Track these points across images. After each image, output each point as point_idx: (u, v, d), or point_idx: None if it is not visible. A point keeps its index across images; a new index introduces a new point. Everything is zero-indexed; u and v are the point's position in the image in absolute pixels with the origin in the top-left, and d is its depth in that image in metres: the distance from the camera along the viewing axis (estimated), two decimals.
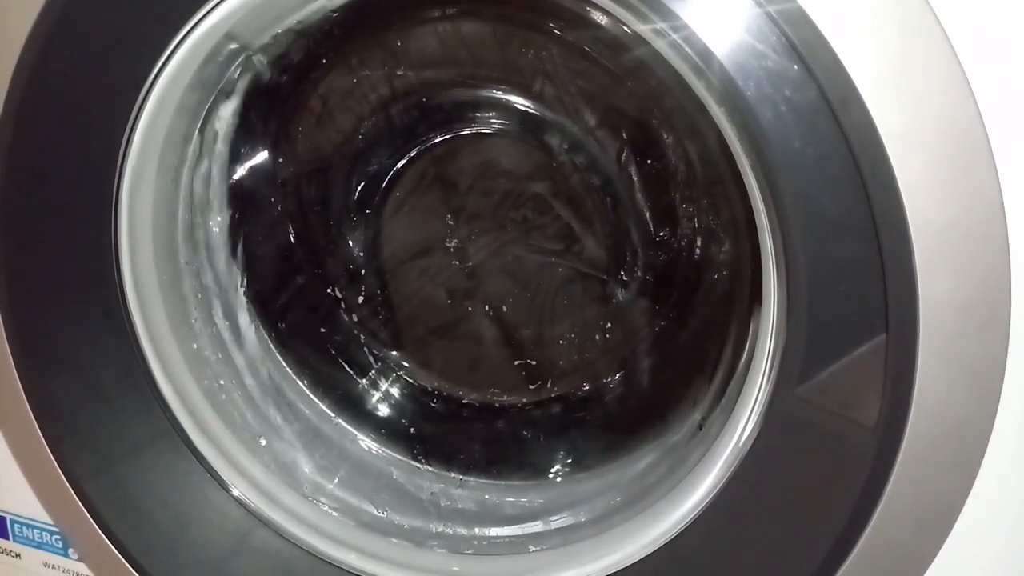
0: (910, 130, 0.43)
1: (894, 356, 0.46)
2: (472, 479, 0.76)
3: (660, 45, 0.48)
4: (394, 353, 0.81)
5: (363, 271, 0.79)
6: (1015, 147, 0.43)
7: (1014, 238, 0.43)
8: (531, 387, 0.78)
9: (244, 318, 0.76)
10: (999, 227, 0.43)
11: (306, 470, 0.74)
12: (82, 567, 0.79)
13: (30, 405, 0.66)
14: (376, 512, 0.72)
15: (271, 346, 0.78)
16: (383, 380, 0.81)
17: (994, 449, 0.47)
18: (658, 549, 0.58)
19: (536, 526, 0.70)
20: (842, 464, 0.49)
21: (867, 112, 0.43)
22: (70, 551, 0.79)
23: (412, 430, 0.79)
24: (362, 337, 0.80)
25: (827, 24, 0.43)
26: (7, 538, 0.80)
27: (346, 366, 0.80)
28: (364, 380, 0.81)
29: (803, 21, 0.43)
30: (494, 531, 0.71)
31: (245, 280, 0.75)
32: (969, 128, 0.42)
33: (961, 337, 0.45)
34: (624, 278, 0.72)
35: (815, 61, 0.43)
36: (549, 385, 0.78)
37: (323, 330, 0.80)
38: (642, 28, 0.48)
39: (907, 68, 0.42)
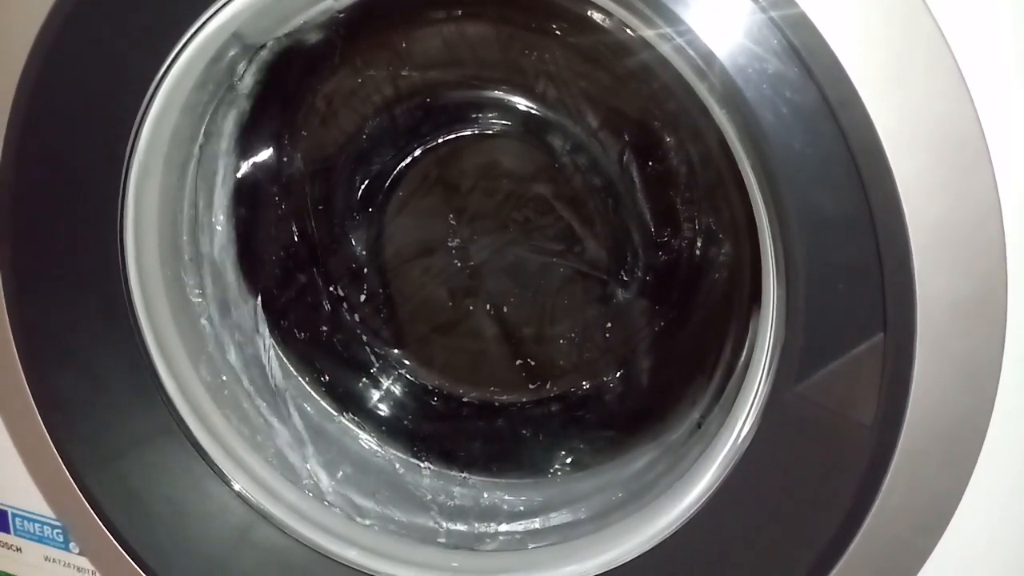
0: (909, 131, 0.43)
1: (891, 355, 0.46)
2: (472, 477, 0.76)
3: (663, 48, 0.48)
4: (395, 351, 0.81)
5: (365, 270, 0.79)
6: (1012, 148, 0.43)
7: (1011, 238, 0.44)
8: (531, 386, 0.78)
9: (247, 315, 0.76)
10: (996, 227, 0.44)
11: (307, 466, 0.74)
12: (83, 561, 0.79)
13: (33, 398, 0.66)
14: (376, 508, 0.73)
15: (273, 343, 0.78)
16: (384, 378, 0.81)
17: (990, 447, 0.47)
18: (656, 546, 0.58)
19: (535, 523, 0.71)
20: (839, 462, 0.50)
21: (866, 113, 0.43)
22: (71, 545, 0.79)
23: (413, 428, 0.80)
24: (364, 335, 0.81)
25: (827, 27, 0.43)
26: (8, 532, 0.81)
27: (348, 364, 0.81)
28: (365, 378, 0.81)
29: (804, 24, 0.43)
30: (493, 528, 0.71)
31: (248, 277, 0.76)
32: (967, 129, 0.43)
33: (958, 336, 0.45)
34: (625, 278, 0.73)
35: (815, 63, 0.44)
36: (549, 384, 0.78)
37: (325, 328, 0.80)
38: (645, 31, 0.48)
39: (906, 70, 0.43)
